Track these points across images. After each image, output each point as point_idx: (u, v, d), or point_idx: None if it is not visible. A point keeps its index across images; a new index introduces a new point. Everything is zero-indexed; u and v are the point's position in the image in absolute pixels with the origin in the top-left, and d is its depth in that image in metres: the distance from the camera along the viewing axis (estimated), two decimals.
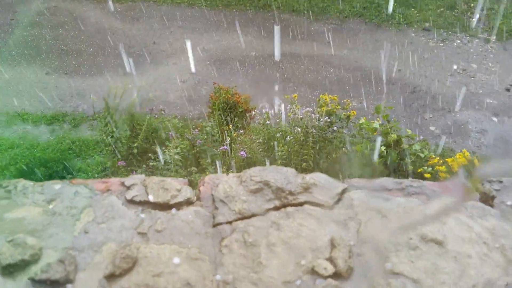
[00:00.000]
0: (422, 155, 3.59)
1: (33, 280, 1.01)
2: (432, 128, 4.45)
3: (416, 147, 3.64)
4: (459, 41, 5.22)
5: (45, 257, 1.08)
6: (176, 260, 1.07)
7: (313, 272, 1.04)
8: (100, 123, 4.18)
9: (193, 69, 5.36)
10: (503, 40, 5.53)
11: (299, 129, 3.82)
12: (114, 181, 1.26)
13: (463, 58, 5.20)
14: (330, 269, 1.04)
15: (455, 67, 5.09)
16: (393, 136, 3.59)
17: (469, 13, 5.87)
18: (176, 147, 3.67)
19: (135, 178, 1.26)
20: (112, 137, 3.94)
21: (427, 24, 5.88)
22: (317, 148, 3.69)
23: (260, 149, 3.87)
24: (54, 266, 1.03)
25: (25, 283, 1.02)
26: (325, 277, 1.02)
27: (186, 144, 3.83)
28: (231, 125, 3.89)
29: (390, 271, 1.03)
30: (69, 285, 1.02)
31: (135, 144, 3.91)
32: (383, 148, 3.59)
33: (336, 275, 1.03)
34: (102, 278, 1.04)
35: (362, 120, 3.92)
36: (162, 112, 4.23)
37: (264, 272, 1.05)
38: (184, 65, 5.47)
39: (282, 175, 1.25)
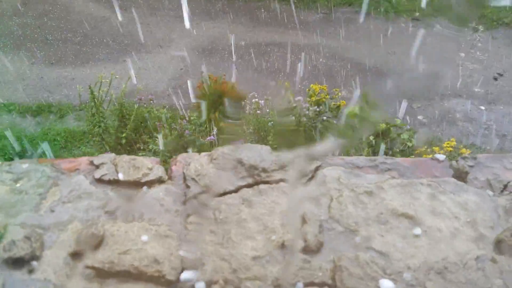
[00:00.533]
0: (410, 144, 3.59)
1: None
2: (420, 117, 4.46)
3: (405, 136, 3.64)
4: (447, 30, 5.22)
5: (10, 235, 1.05)
6: (145, 237, 1.05)
7: (283, 246, 1.03)
8: (87, 113, 4.13)
9: (181, 58, 5.31)
10: (491, 29, 5.54)
11: (293, 117, 3.81)
12: (83, 160, 1.23)
13: (451, 47, 5.20)
14: (300, 244, 1.03)
15: (443, 56, 5.09)
16: (382, 126, 3.59)
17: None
18: (166, 137, 3.64)
19: (105, 157, 1.24)
20: (99, 127, 3.89)
21: (417, 14, 5.87)
22: (307, 138, 3.68)
23: (251, 139, 3.85)
24: (19, 243, 1.01)
25: None
26: (295, 252, 1.01)
27: (175, 135, 3.80)
28: (217, 114, 3.86)
29: (360, 245, 1.02)
30: (35, 262, 1.00)
31: (124, 134, 3.87)
32: (371, 137, 3.59)
33: (306, 250, 1.02)
34: (67, 255, 1.01)
35: (350, 109, 3.90)
36: (151, 102, 4.19)
37: (234, 248, 1.03)
38: (172, 54, 5.41)
39: (255, 153, 1.23)
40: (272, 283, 0.96)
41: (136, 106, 3.95)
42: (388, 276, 0.94)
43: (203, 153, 1.28)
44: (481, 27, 5.44)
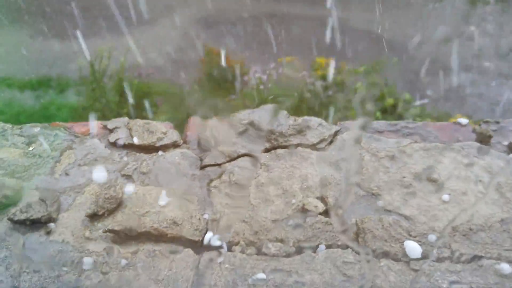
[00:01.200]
0: (419, 119, 3.55)
1: (12, 220, 0.97)
2: (429, 92, 4.40)
3: (413, 111, 3.60)
4: (457, 3, 5.09)
5: (25, 198, 1.03)
6: (162, 201, 1.03)
7: (304, 210, 1.01)
8: (87, 88, 4.06)
9: (182, 31, 5.19)
10: (502, 2, 5.41)
11: (295, 93, 3.75)
12: (96, 124, 1.20)
13: (461, 20, 5.09)
14: (321, 207, 1.01)
15: (453, 29, 4.99)
16: (389, 101, 3.54)
17: None
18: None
19: (119, 121, 1.21)
20: (100, 102, 3.83)
21: None
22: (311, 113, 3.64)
23: None
24: (34, 205, 0.99)
25: (5, 224, 0.97)
26: (316, 215, 0.99)
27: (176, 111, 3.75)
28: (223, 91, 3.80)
29: (382, 208, 1.00)
30: (52, 224, 0.98)
31: (125, 110, 3.82)
32: (378, 113, 3.55)
33: (327, 213, 1.00)
34: (85, 218, 1.00)
35: (358, 84, 3.85)
36: (151, 76, 4.11)
37: (253, 211, 1.02)
38: (173, 27, 5.29)
39: (273, 117, 1.20)
40: (293, 245, 0.95)
41: (136, 81, 3.88)
42: (413, 238, 0.93)
43: (218, 118, 1.24)
44: (492, 0, 5.32)
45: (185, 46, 5.07)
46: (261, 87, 4.10)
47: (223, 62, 4.07)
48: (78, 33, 5.25)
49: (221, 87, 4.19)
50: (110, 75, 3.97)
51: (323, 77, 3.98)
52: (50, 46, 5.08)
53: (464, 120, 1.17)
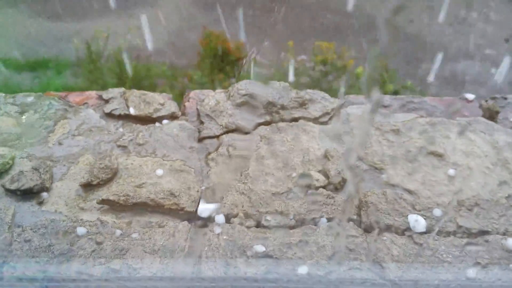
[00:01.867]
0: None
1: (3, 187, 0.94)
2: (429, 78, 4.35)
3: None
4: None
5: (17, 167, 1.00)
6: (159, 171, 1.00)
7: (304, 183, 0.98)
8: (83, 69, 3.99)
9: (182, 13, 5.10)
10: None
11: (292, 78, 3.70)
12: (91, 94, 1.16)
13: (464, 6, 5.01)
14: (322, 181, 0.98)
15: (453, 16, 4.92)
16: (390, 87, 3.50)
17: None
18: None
19: (114, 92, 1.17)
20: (97, 84, 3.77)
21: None
22: None
23: None
24: (27, 174, 0.96)
25: None
26: (317, 188, 0.96)
27: (175, 93, 3.69)
28: (222, 74, 3.75)
29: (386, 183, 0.97)
30: (45, 193, 0.95)
31: None
32: None
33: (329, 186, 0.98)
34: (79, 187, 0.97)
35: (359, 69, 3.80)
36: (150, 59, 4.04)
37: (252, 184, 0.99)
38: (172, 8, 5.20)
39: (273, 89, 1.16)
40: (294, 218, 0.92)
41: (134, 63, 3.82)
42: (417, 212, 0.90)
43: (218, 90, 1.21)
44: None
45: (184, 28, 4.99)
46: (259, 70, 4.04)
47: (222, 45, 4.00)
48: (76, 14, 5.17)
49: (222, 70, 4.12)
50: (108, 57, 3.90)
51: (324, 62, 3.91)
52: (49, 27, 5.00)
53: (471, 96, 1.14)
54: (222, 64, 4.11)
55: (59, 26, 5.09)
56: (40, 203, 0.94)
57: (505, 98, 1.13)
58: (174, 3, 5.26)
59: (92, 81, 3.80)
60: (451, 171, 0.97)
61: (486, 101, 1.13)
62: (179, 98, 1.32)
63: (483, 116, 1.11)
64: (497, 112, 1.08)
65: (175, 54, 4.63)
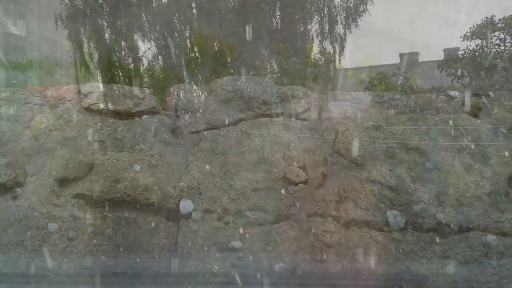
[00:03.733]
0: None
1: None
2: None
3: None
4: None
5: None
6: (137, 167, 0.98)
7: (285, 179, 0.97)
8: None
9: (172, 15, 5.06)
10: None
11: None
12: (70, 88, 1.14)
13: None
14: (303, 176, 0.97)
15: None
16: None
17: None
18: None
19: (92, 86, 1.15)
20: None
21: None
22: None
23: None
24: (1, 169, 0.94)
25: None
26: (297, 183, 0.95)
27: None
28: None
29: (366, 178, 0.96)
30: (19, 189, 0.93)
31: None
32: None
33: (309, 182, 0.96)
34: (53, 183, 0.94)
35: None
36: (140, 60, 3.98)
37: (232, 179, 0.97)
38: (163, 9, 5.15)
39: (256, 85, 1.15)
40: (272, 214, 0.90)
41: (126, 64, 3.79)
42: (396, 207, 0.89)
43: (199, 85, 1.19)
44: None
45: (174, 30, 4.94)
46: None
47: (213, 47, 3.98)
48: None
49: (215, 72, 4.09)
50: (99, 57, 3.86)
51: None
52: None
53: (454, 92, 1.13)
54: (213, 65, 4.09)
55: None
56: (14, 198, 0.92)
57: (488, 95, 1.13)
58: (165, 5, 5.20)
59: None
60: (433, 167, 0.96)
61: (470, 98, 1.12)
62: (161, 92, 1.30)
63: (466, 112, 1.10)
64: (480, 109, 1.07)
65: (166, 56, 4.56)
